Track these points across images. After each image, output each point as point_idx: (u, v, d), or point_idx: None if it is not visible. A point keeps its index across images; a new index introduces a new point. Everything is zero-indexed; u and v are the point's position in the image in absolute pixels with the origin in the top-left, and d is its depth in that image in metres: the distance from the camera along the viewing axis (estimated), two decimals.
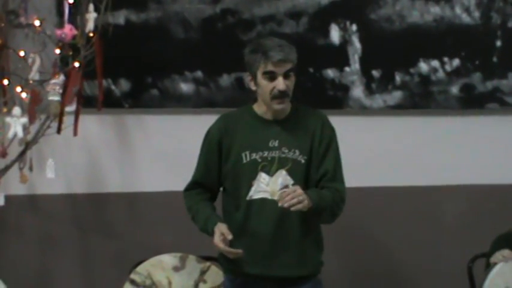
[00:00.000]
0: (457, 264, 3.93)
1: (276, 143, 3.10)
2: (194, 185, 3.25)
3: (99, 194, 4.25)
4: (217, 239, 3.02)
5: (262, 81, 3.06)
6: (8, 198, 3.87)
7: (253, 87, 3.12)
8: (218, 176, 3.19)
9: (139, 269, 3.60)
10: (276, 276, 3.12)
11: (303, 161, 3.10)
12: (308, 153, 3.11)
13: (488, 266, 3.61)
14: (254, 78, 3.09)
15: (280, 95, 3.04)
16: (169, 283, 3.58)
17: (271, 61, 3.01)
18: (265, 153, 3.09)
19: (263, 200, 3.09)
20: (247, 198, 3.10)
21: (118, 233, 4.25)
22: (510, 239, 3.63)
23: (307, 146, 3.11)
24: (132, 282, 3.58)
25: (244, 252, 3.07)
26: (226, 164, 3.16)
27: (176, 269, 3.61)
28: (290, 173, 3.08)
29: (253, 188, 3.09)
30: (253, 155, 3.10)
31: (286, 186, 3.05)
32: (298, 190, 2.94)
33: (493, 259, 3.57)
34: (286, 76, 3.04)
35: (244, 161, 3.10)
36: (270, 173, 3.09)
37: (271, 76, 3.04)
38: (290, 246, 3.11)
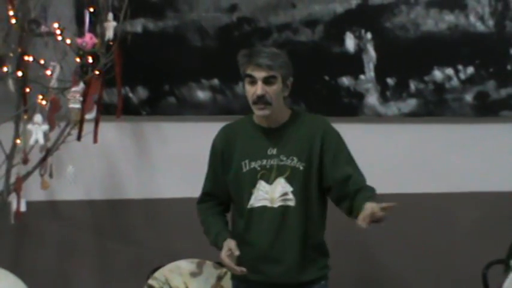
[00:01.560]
0: (472, 271, 3.93)
1: (274, 151, 3.12)
2: (206, 197, 3.29)
3: (117, 200, 4.29)
4: (224, 254, 3.06)
5: (246, 85, 3.11)
6: (28, 204, 3.91)
7: (246, 93, 3.15)
8: (226, 186, 3.21)
9: (157, 274, 3.63)
10: (277, 283, 3.15)
11: (301, 167, 3.10)
12: (306, 160, 3.10)
13: (508, 270, 3.62)
14: (244, 83, 3.14)
15: (258, 100, 3.05)
16: None
17: (251, 65, 3.05)
18: (264, 162, 3.11)
19: (263, 208, 3.11)
20: (249, 206, 3.13)
21: (136, 238, 4.28)
22: None
23: (305, 153, 3.11)
24: (150, 287, 3.61)
25: (247, 258, 3.10)
26: (228, 174, 3.18)
27: (193, 274, 3.64)
28: (289, 180, 3.10)
29: (253, 196, 3.12)
30: (253, 164, 3.12)
31: (285, 194, 3.09)
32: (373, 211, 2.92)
33: None
34: (267, 82, 3.04)
35: (244, 170, 3.13)
36: (269, 181, 3.11)
37: (251, 80, 3.07)
38: (290, 252, 3.12)
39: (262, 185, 3.11)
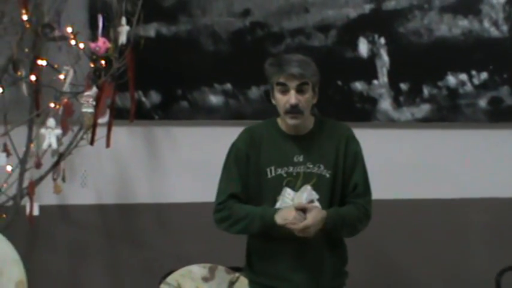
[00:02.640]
0: (485, 277, 3.92)
1: (301, 158, 3.10)
2: (231, 199, 3.13)
3: (129, 204, 4.29)
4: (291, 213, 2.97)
5: (277, 94, 3.07)
6: (41, 208, 3.92)
7: (273, 101, 3.13)
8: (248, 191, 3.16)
9: (169, 279, 3.62)
10: None
11: (327, 175, 3.10)
12: (333, 167, 3.10)
13: None
14: (272, 91, 3.11)
15: (291, 110, 3.03)
16: None
17: (283, 74, 3.02)
18: (291, 169, 3.09)
19: None
20: None
21: (147, 243, 4.28)
22: None
23: (331, 160, 3.11)
24: None
25: (269, 266, 3.10)
26: (250, 178, 3.14)
27: (205, 279, 3.63)
28: (315, 188, 3.08)
29: (278, 203, 3.07)
30: (279, 170, 3.09)
31: (312, 201, 3.05)
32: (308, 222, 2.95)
33: None
34: (299, 91, 3.03)
35: (269, 176, 3.10)
36: (295, 188, 3.08)
37: (284, 89, 3.04)
38: (315, 261, 3.10)
39: (287, 192, 3.08)
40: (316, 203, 3.07)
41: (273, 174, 3.10)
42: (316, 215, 2.97)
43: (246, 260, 3.23)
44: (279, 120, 3.17)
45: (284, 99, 3.05)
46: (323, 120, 3.21)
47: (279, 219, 2.99)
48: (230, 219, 3.11)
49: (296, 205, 2.99)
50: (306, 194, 3.07)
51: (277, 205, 3.08)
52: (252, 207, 3.09)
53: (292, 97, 3.03)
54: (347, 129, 3.21)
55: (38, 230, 4.10)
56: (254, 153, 3.13)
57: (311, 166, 3.10)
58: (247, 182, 3.14)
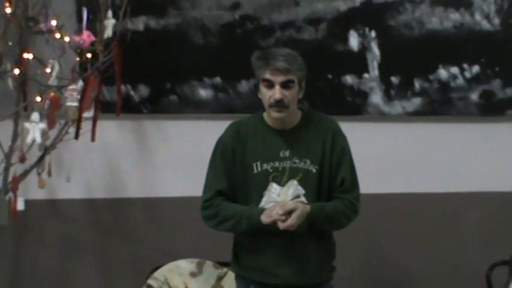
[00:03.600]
0: (476, 271, 3.90)
1: (287, 153, 3.08)
2: (217, 195, 3.12)
3: (117, 199, 4.27)
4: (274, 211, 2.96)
5: (262, 88, 3.06)
6: (28, 202, 3.91)
7: (259, 95, 3.11)
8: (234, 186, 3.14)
9: (156, 274, 3.61)
10: (288, 285, 3.11)
11: (314, 170, 3.08)
12: (319, 162, 3.09)
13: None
14: (258, 85, 3.09)
15: (276, 104, 3.02)
16: None
17: (269, 69, 3.00)
18: (276, 164, 3.07)
19: None
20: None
21: (136, 238, 4.26)
22: None
23: (318, 155, 3.09)
24: (150, 287, 3.59)
25: (256, 260, 3.09)
26: (236, 173, 3.13)
27: (193, 274, 3.63)
28: (301, 183, 3.06)
29: (264, 199, 3.06)
30: (264, 165, 3.08)
31: (298, 197, 3.04)
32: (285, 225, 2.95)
33: None
34: (285, 86, 3.01)
35: (255, 171, 3.08)
36: (281, 184, 3.06)
37: (269, 84, 3.02)
38: (301, 255, 3.09)
39: (273, 187, 3.07)
40: (303, 198, 3.05)
41: (259, 169, 3.09)
42: (299, 214, 2.95)
43: (233, 254, 3.23)
44: (265, 115, 3.16)
45: (269, 94, 3.04)
46: (309, 114, 3.18)
47: (264, 218, 2.98)
48: (217, 217, 3.11)
49: (281, 208, 2.96)
50: (292, 189, 3.05)
51: (263, 200, 3.07)
52: (238, 207, 3.08)
53: (277, 92, 3.01)
54: (334, 123, 3.19)
55: (26, 225, 4.09)
56: (240, 148, 3.12)
57: (297, 161, 3.08)
58: (233, 177, 3.12)
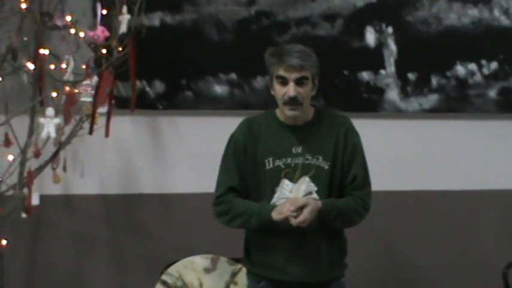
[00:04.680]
0: (492, 270, 3.89)
1: (300, 150, 3.08)
2: (230, 192, 3.12)
3: (131, 194, 4.27)
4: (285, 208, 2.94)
5: (276, 85, 3.04)
6: (43, 197, 3.92)
7: (272, 92, 3.10)
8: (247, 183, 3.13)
9: (170, 270, 3.62)
10: (298, 282, 3.11)
11: (326, 167, 3.07)
12: (331, 159, 3.08)
13: None
14: (271, 81, 3.07)
15: (290, 102, 3.01)
16: (201, 284, 3.59)
17: (283, 66, 2.99)
18: (289, 160, 3.07)
19: None
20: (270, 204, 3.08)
21: (150, 233, 4.27)
22: None
23: (330, 152, 3.08)
24: (164, 283, 3.59)
25: (266, 257, 3.09)
26: (248, 170, 3.12)
27: (207, 270, 3.63)
28: (313, 179, 3.06)
29: (276, 195, 3.06)
30: (277, 162, 3.07)
31: (310, 193, 3.04)
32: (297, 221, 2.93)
33: None
34: (299, 83, 3.00)
35: (267, 168, 3.08)
36: (293, 180, 3.06)
37: (283, 81, 3.01)
38: (311, 252, 3.09)
39: (285, 183, 3.06)
40: (315, 195, 3.05)
41: (271, 165, 3.08)
42: (311, 209, 2.94)
43: (244, 250, 3.23)
44: (277, 111, 3.15)
45: (283, 91, 3.03)
46: (322, 111, 3.17)
47: (275, 214, 2.97)
48: (228, 214, 3.11)
49: (292, 204, 2.95)
50: (305, 186, 3.05)
51: (275, 197, 3.07)
52: (249, 204, 3.08)
53: (291, 89, 3.00)
54: (346, 120, 3.18)
55: (40, 220, 4.10)
56: (252, 144, 3.11)
57: (310, 158, 3.07)
58: (245, 173, 3.12)
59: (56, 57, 3.80)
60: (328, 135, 3.10)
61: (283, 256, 3.08)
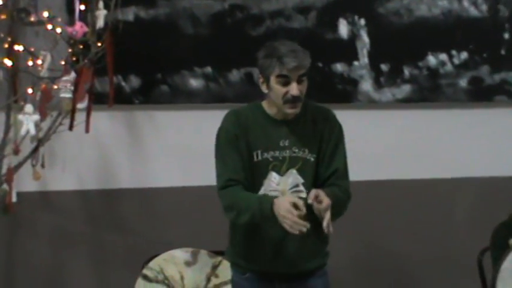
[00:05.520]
0: (467, 256, 3.93)
1: (287, 143, 3.09)
2: (230, 181, 3.09)
3: (110, 190, 4.26)
4: (289, 210, 2.89)
5: (276, 85, 3.04)
6: (20, 194, 3.90)
7: (265, 90, 3.10)
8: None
9: (151, 264, 3.61)
10: (285, 273, 3.13)
11: (312, 159, 3.10)
12: (316, 151, 3.11)
13: (496, 260, 3.62)
14: (267, 81, 3.07)
15: (293, 100, 3.03)
16: (182, 278, 3.60)
17: (286, 67, 3.00)
18: (277, 153, 3.08)
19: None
20: None
21: (130, 228, 4.26)
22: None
23: (315, 144, 3.11)
24: (145, 277, 3.59)
25: (252, 249, 3.10)
26: (243, 156, 3.11)
27: (188, 263, 3.63)
28: (300, 172, 3.08)
29: (263, 187, 3.08)
30: (265, 154, 3.08)
31: (297, 185, 3.07)
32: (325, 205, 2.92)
33: None
34: (299, 81, 3.03)
35: (256, 160, 3.09)
36: (281, 173, 3.08)
37: (285, 81, 3.02)
38: (299, 243, 3.10)
39: (273, 176, 3.08)
40: (301, 187, 3.08)
41: (260, 158, 3.10)
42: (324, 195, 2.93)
43: (229, 242, 3.23)
44: (264, 105, 3.16)
45: (284, 90, 3.03)
46: (306, 104, 3.19)
47: (287, 226, 2.90)
48: (234, 210, 3.07)
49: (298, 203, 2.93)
50: (292, 179, 3.08)
51: (262, 189, 3.08)
52: (248, 195, 3.04)
53: (294, 88, 3.01)
54: (330, 113, 3.21)
55: (18, 217, 4.06)
56: (242, 135, 3.10)
57: (296, 150, 3.10)
58: (243, 159, 3.09)
59: (30, 54, 3.76)
60: (313, 128, 3.13)
61: (269, 248, 3.09)
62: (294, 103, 3.04)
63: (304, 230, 2.87)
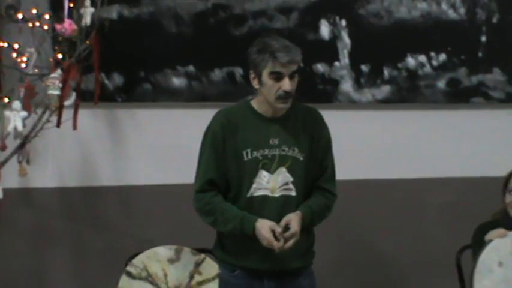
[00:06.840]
0: (446, 255, 3.97)
1: (277, 141, 3.12)
2: (208, 185, 3.13)
3: (92, 187, 4.26)
4: (268, 234, 3.02)
5: (268, 81, 3.06)
6: (4, 191, 3.86)
7: (256, 86, 3.11)
8: (226, 174, 3.14)
9: (135, 261, 3.61)
10: (274, 270, 3.15)
11: (301, 158, 3.13)
12: (306, 150, 3.14)
13: (475, 256, 3.69)
14: (258, 77, 3.09)
15: (285, 96, 3.06)
16: (165, 275, 3.61)
17: (279, 62, 3.02)
18: (266, 151, 3.11)
19: (264, 198, 3.11)
20: (248, 195, 3.11)
21: (111, 226, 4.26)
22: (492, 227, 3.72)
23: (305, 144, 3.14)
24: (129, 274, 3.59)
25: (241, 247, 3.13)
26: (228, 161, 3.13)
27: (171, 261, 3.64)
28: (290, 170, 3.11)
29: (253, 186, 3.10)
30: (255, 153, 3.10)
31: (286, 184, 3.10)
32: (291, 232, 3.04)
33: (488, 236, 3.65)
34: (291, 77, 3.06)
35: (245, 159, 3.11)
36: (271, 171, 3.11)
37: (277, 76, 3.04)
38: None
39: (263, 174, 3.10)
40: (290, 186, 3.12)
41: (249, 157, 3.11)
42: (297, 220, 3.05)
43: (217, 240, 3.24)
44: (253, 103, 3.17)
45: (276, 86, 3.05)
46: (296, 104, 3.22)
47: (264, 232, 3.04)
48: (212, 216, 3.12)
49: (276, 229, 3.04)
50: (281, 177, 3.11)
51: (253, 187, 3.11)
52: (229, 208, 3.09)
53: (287, 84, 3.04)
54: (319, 114, 3.25)
55: (1, 213, 4.05)
56: (231, 135, 3.12)
57: (286, 149, 3.12)
58: (225, 165, 3.13)
59: (15, 50, 3.76)
60: (303, 127, 3.16)
61: (258, 246, 3.09)
62: (285, 99, 3.07)
63: (277, 250, 3.02)
